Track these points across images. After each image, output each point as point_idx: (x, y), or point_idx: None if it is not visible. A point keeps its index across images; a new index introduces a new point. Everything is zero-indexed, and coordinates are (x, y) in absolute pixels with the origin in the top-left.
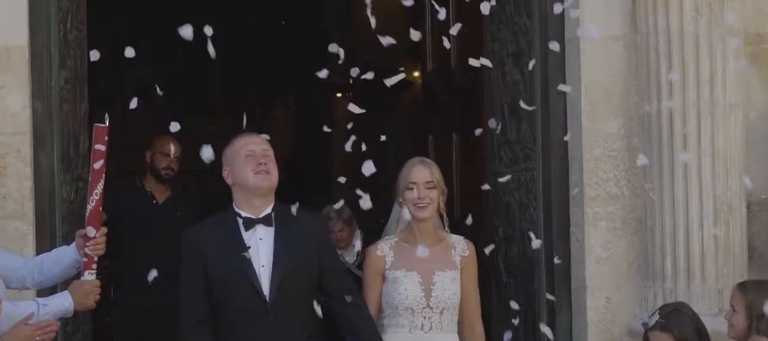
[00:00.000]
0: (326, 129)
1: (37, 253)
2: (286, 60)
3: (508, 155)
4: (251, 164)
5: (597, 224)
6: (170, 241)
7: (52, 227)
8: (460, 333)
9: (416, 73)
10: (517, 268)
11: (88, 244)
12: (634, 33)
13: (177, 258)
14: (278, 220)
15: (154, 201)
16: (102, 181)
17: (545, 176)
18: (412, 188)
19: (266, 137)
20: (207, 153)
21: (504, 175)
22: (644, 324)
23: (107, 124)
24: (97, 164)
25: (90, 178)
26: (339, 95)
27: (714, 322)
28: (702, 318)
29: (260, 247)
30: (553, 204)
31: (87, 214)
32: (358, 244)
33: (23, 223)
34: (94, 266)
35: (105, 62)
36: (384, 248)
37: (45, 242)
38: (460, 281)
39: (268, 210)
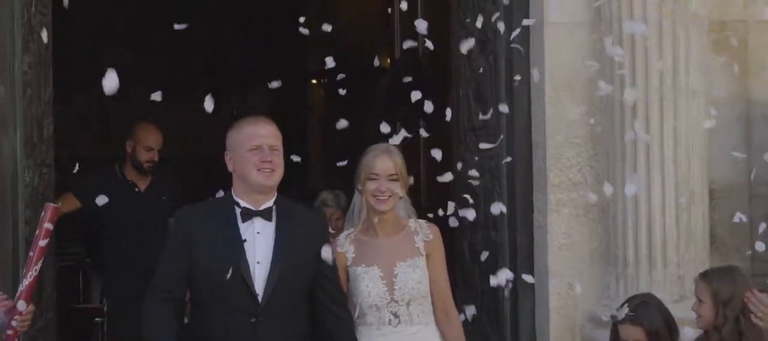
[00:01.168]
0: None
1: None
2: (261, 45)
3: (473, 141)
4: (255, 159)
5: (560, 211)
6: (158, 227)
7: (15, 212)
8: (437, 320)
9: (387, 60)
10: (480, 254)
11: (16, 317)
12: (598, 20)
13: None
14: (279, 214)
15: (136, 190)
16: (42, 259)
17: (510, 162)
18: (374, 179)
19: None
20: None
21: (468, 161)
22: (613, 318)
23: (59, 205)
24: (43, 242)
25: (32, 254)
26: (314, 81)
27: (676, 309)
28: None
29: (257, 242)
30: (517, 190)
31: (22, 288)
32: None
33: None
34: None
35: (81, 46)
36: (344, 244)
37: (7, 227)
38: (425, 267)
39: (269, 204)
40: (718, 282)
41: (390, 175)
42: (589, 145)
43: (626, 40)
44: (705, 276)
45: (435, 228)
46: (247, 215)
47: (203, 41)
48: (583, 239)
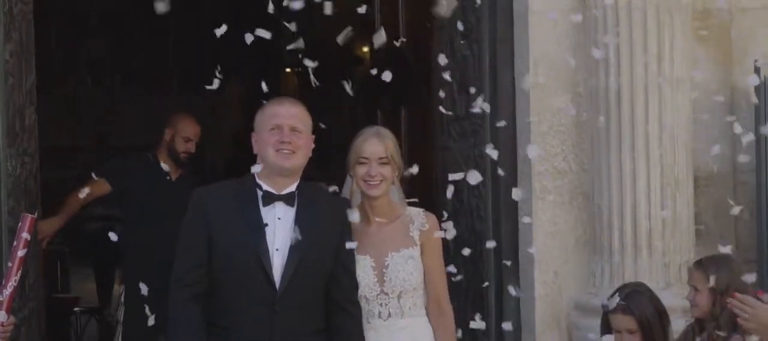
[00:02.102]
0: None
1: None
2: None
3: (457, 130)
4: (274, 139)
5: (545, 199)
6: (181, 218)
7: None
8: (429, 313)
9: (366, 49)
10: (464, 243)
11: None
12: (583, 7)
13: None
14: (301, 200)
15: (168, 178)
16: (21, 270)
17: (494, 150)
18: (364, 163)
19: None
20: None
21: (452, 150)
22: (604, 307)
23: (36, 215)
24: (22, 252)
25: (11, 265)
26: (288, 70)
27: (662, 296)
28: None
29: (277, 227)
30: (501, 179)
31: (2, 298)
32: None
33: None
34: None
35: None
36: None
37: None
38: (419, 258)
39: (292, 188)
40: (715, 271)
41: (380, 158)
42: (573, 133)
43: (612, 27)
44: (700, 265)
45: (432, 218)
46: (269, 198)
47: (179, 31)
48: (569, 228)
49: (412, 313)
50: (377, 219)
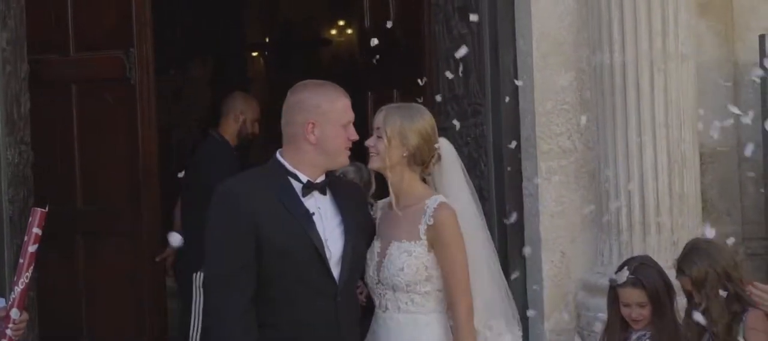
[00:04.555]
0: None
1: None
2: (201, 17)
3: (456, 110)
4: (347, 136)
5: (550, 179)
6: None
7: None
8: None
9: (334, 31)
10: None
11: (10, 326)
12: None
13: None
14: (330, 188)
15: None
16: (33, 265)
17: (496, 130)
18: (372, 135)
19: None
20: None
21: (451, 130)
22: (612, 281)
23: (46, 209)
24: (33, 248)
25: (22, 261)
26: (254, 53)
27: (672, 274)
28: None
29: (322, 216)
30: (505, 159)
31: (14, 295)
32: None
33: None
34: None
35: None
36: (376, 211)
37: None
38: (423, 254)
39: (323, 176)
40: (689, 269)
41: (377, 129)
42: (578, 111)
43: (614, 2)
44: (680, 271)
45: (442, 213)
46: (308, 188)
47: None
48: (575, 207)
49: (409, 309)
50: (396, 203)
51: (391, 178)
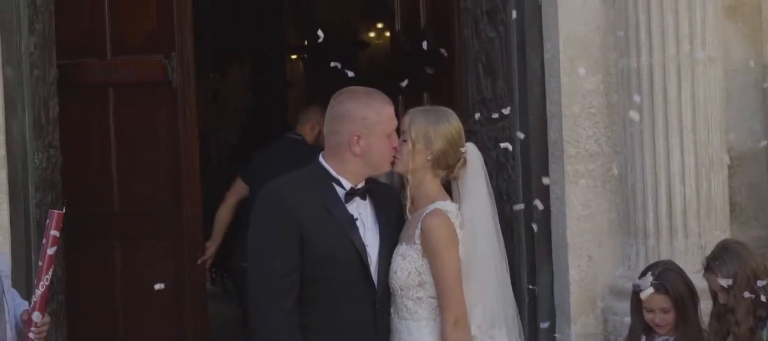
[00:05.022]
0: None
1: (12, 222)
2: (240, 20)
3: (484, 114)
4: (392, 146)
5: (577, 182)
6: None
7: (26, 195)
8: None
9: (372, 34)
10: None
11: (32, 329)
12: None
13: None
14: (369, 193)
15: None
16: (53, 267)
17: (523, 133)
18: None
19: None
20: None
21: (479, 134)
22: (636, 287)
23: (64, 210)
24: (51, 250)
25: (41, 263)
26: (294, 56)
27: (697, 279)
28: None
29: (364, 222)
30: (532, 163)
31: (35, 298)
32: None
33: None
34: None
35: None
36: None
37: (19, 210)
38: (416, 259)
39: (363, 182)
40: (719, 268)
41: (403, 132)
42: (605, 115)
43: (642, 6)
44: (708, 269)
45: (429, 220)
46: (350, 195)
47: None
48: (602, 211)
49: (403, 315)
50: (410, 206)
51: (411, 181)
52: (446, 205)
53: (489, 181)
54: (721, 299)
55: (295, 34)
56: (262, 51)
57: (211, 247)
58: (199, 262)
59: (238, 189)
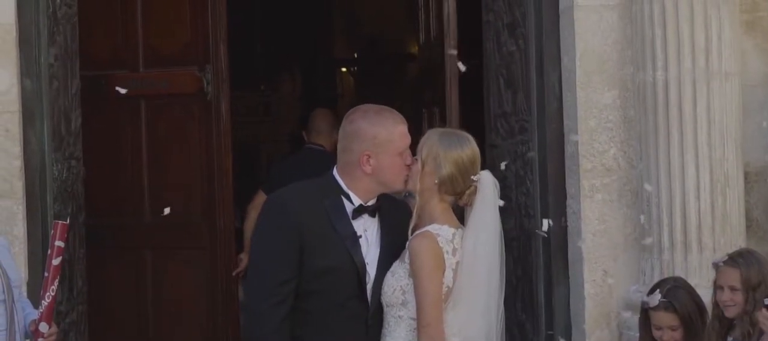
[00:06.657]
0: None
1: (29, 232)
2: (290, 34)
3: (504, 127)
4: (405, 165)
5: (593, 197)
6: None
7: (43, 206)
8: None
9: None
10: (514, 241)
11: (40, 340)
12: (629, 2)
13: None
14: (379, 210)
15: None
16: (58, 278)
17: (541, 148)
18: None
19: None
20: None
21: (500, 147)
22: (644, 304)
23: (68, 222)
24: (56, 261)
25: (46, 275)
26: (344, 69)
27: (710, 294)
28: (699, 290)
29: (366, 240)
30: (549, 177)
31: (41, 309)
32: None
33: (13, 202)
34: None
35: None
36: None
37: (36, 221)
38: (404, 276)
39: (374, 199)
40: (747, 268)
41: (418, 151)
42: (621, 129)
43: (658, 20)
44: (734, 263)
45: (416, 242)
46: (358, 211)
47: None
48: (618, 225)
49: (385, 332)
50: (414, 224)
51: (418, 200)
52: (440, 229)
53: (499, 213)
54: (727, 296)
55: (343, 47)
56: (312, 64)
57: (245, 259)
58: (234, 274)
59: (260, 202)
